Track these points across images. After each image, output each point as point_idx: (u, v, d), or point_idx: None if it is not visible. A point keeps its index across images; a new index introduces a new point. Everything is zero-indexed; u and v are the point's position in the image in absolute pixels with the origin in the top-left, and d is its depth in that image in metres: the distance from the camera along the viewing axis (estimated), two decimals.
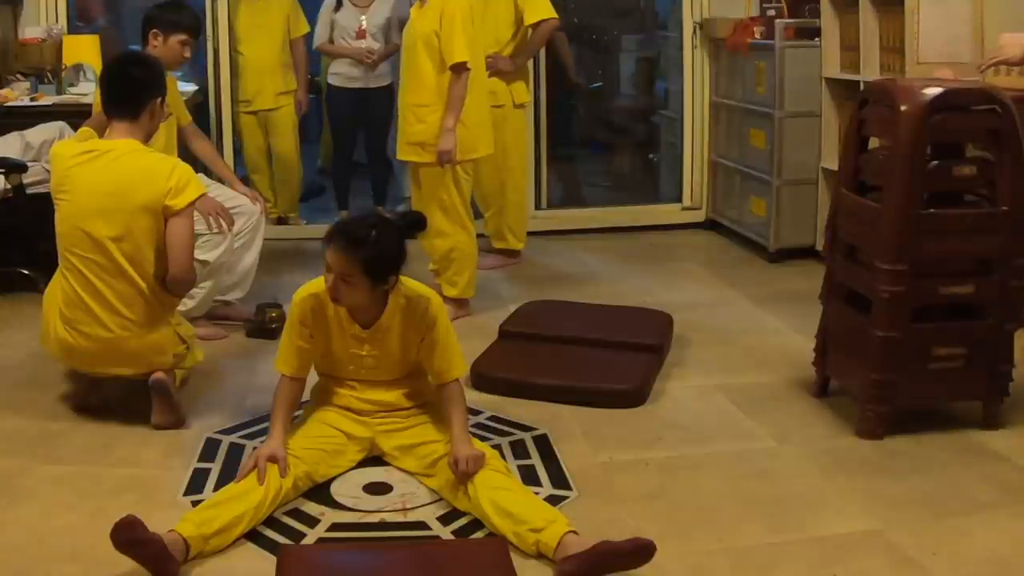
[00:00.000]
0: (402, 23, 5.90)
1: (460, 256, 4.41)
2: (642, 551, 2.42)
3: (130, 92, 3.28)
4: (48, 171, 4.60)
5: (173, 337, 3.34)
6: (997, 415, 3.28)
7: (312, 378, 3.10)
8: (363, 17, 5.84)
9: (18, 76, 5.32)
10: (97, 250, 3.16)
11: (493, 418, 3.40)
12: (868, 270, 3.23)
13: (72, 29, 5.73)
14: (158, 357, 3.29)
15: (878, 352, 3.17)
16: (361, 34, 5.84)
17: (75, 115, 4.74)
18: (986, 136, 3.16)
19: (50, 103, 5.03)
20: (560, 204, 6.34)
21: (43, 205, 4.44)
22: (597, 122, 7.34)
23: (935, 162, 3.15)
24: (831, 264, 3.48)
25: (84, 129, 3.53)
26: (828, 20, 5.17)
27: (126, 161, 3.20)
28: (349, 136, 6.16)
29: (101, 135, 3.35)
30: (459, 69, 4.18)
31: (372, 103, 6.00)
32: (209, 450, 3.15)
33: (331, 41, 5.94)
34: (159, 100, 3.33)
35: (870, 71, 4.78)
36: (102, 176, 3.17)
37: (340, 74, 5.97)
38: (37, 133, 4.66)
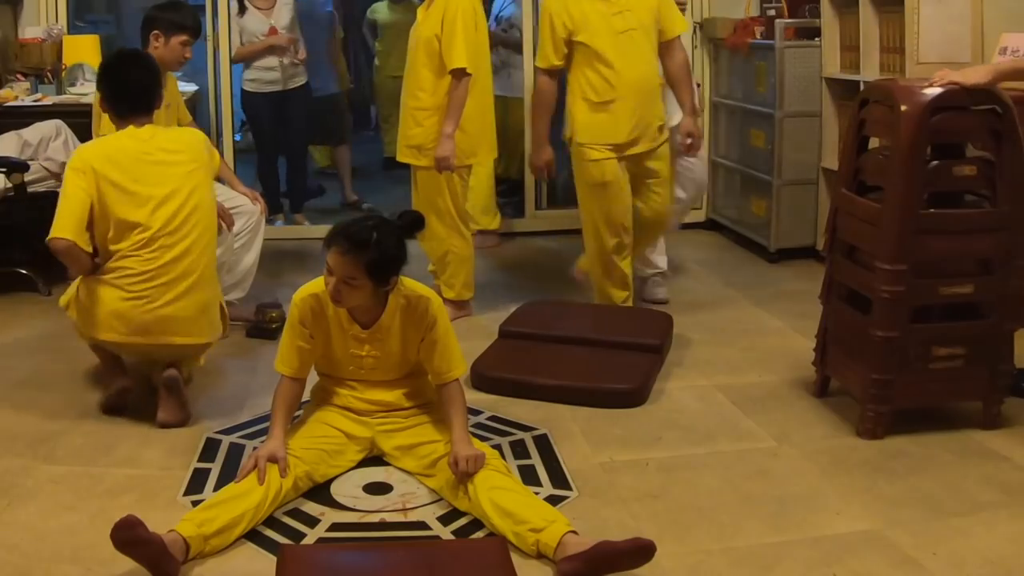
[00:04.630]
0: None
1: (455, 260, 4.41)
2: (642, 551, 2.42)
3: (144, 96, 3.41)
4: (46, 169, 4.63)
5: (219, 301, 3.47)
6: (997, 415, 3.28)
7: (312, 378, 3.10)
8: (271, 20, 5.81)
9: (18, 76, 5.32)
10: (176, 222, 3.25)
11: (493, 418, 3.40)
12: (868, 270, 3.23)
13: (72, 29, 5.73)
14: (213, 324, 3.39)
15: (878, 352, 3.17)
16: (273, 33, 5.81)
17: (75, 115, 4.76)
18: (986, 136, 3.16)
19: (50, 103, 5.04)
20: (560, 204, 6.34)
21: (43, 204, 4.47)
22: None
23: (935, 162, 3.15)
24: (831, 264, 3.48)
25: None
26: (828, 20, 5.17)
27: (168, 135, 3.41)
28: (271, 138, 6.08)
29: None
30: (459, 75, 4.17)
31: (290, 104, 5.97)
32: (209, 450, 3.15)
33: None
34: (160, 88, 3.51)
35: (870, 71, 4.78)
36: (160, 154, 3.31)
37: (256, 79, 5.87)
38: (35, 131, 4.66)
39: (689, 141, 4.27)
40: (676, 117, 4.42)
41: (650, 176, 4.29)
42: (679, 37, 4.28)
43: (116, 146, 3.31)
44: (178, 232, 3.25)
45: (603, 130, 4.14)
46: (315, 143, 6.88)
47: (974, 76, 3.10)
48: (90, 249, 3.23)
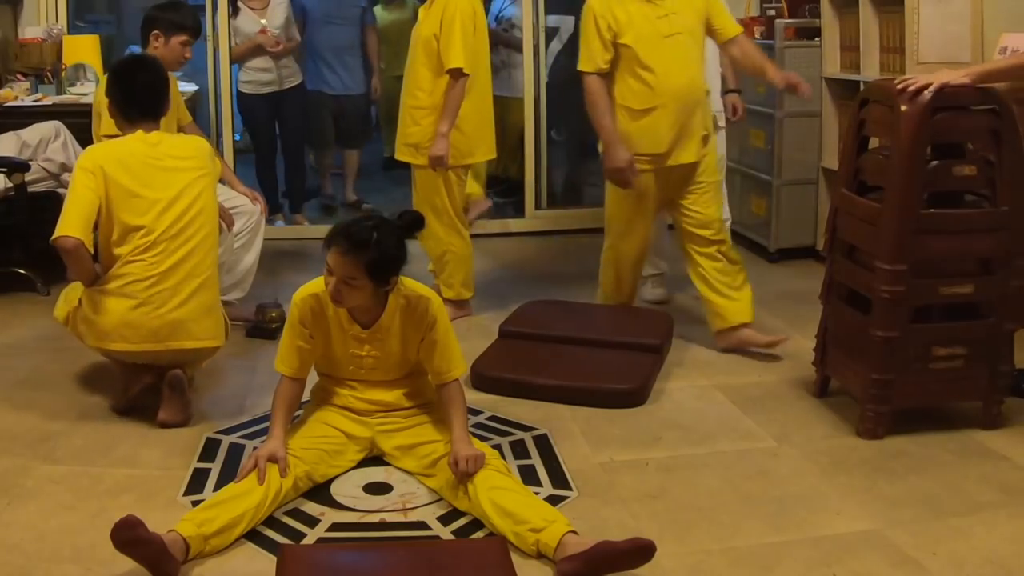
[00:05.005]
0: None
1: (453, 259, 4.41)
2: (642, 551, 2.42)
3: (155, 99, 3.42)
4: (45, 170, 4.62)
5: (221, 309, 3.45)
6: (997, 415, 3.28)
7: (312, 378, 3.10)
8: (263, 20, 5.81)
9: (18, 76, 5.32)
10: (180, 226, 3.24)
11: (493, 418, 3.40)
12: (868, 270, 3.23)
13: (72, 29, 5.73)
14: (220, 327, 3.38)
15: (878, 352, 3.17)
16: (264, 33, 5.81)
17: (75, 115, 4.75)
18: (986, 136, 3.15)
19: (50, 103, 5.04)
20: (560, 204, 6.34)
21: (43, 204, 4.48)
22: None
23: (935, 162, 3.14)
24: (831, 264, 3.48)
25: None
26: (828, 20, 5.17)
27: (174, 141, 3.41)
28: (269, 139, 6.08)
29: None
30: (456, 74, 4.17)
31: (287, 104, 5.97)
32: (209, 450, 3.15)
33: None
34: (169, 93, 3.51)
35: (870, 71, 4.79)
36: (167, 160, 3.30)
37: (252, 81, 5.88)
38: (34, 132, 4.66)
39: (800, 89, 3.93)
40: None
41: (692, 183, 3.99)
42: (741, 33, 4.05)
43: (126, 149, 3.30)
44: (181, 235, 3.24)
45: (643, 140, 3.88)
46: (332, 144, 6.61)
47: (952, 76, 3.09)
48: (92, 251, 3.23)
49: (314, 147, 6.63)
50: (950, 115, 3.11)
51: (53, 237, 3.16)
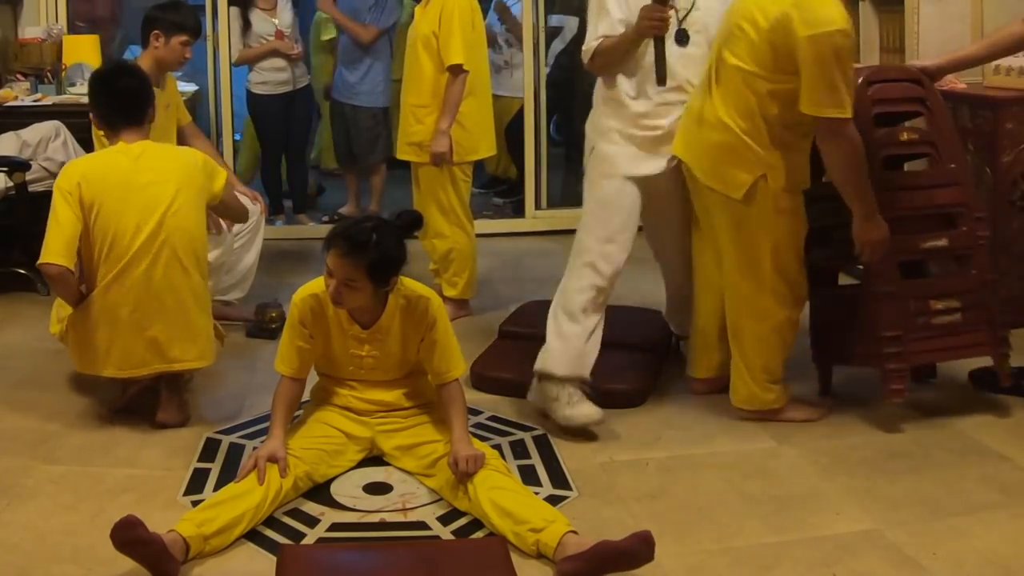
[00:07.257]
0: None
1: (459, 257, 4.41)
2: (642, 544, 2.41)
3: (136, 104, 3.36)
4: (46, 169, 4.63)
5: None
6: (1008, 374, 3.36)
7: (312, 378, 3.10)
8: (275, 21, 5.82)
9: (18, 76, 5.32)
10: (157, 244, 3.18)
11: (493, 418, 3.40)
12: (847, 243, 3.25)
13: (72, 29, 5.73)
14: (209, 345, 3.34)
15: (882, 309, 3.23)
16: (279, 36, 5.82)
17: (75, 115, 4.75)
18: (916, 103, 3.43)
19: (50, 103, 5.04)
20: (560, 204, 6.33)
21: (43, 204, 4.47)
22: None
23: (883, 129, 3.37)
24: (810, 256, 3.44)
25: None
26: None
27: (158, 153, 3.31)
28: (278, 139, 6.07)
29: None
30: (455, 71, 4.19)
31: (297, 104, 5.99)
32: (209, 450, 3.15)
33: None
34: (153, 100, 3.46)
35: None
36: (147, 174, 3.23)
37: (268, 81, 5.86)
38: (34, 132, 4.66)
39: None
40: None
41: None
42: None
43: (107, 164, 3.25)
44: (160, 255, 3.17)
45: (806, 171, 3.24)
46: (353, 163, 6.34)
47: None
48: (77, 272, 3.20)
49: (338, 161, 6.58)
50: (882, 86, 3.38)
51: (38, 263, 3.14)
